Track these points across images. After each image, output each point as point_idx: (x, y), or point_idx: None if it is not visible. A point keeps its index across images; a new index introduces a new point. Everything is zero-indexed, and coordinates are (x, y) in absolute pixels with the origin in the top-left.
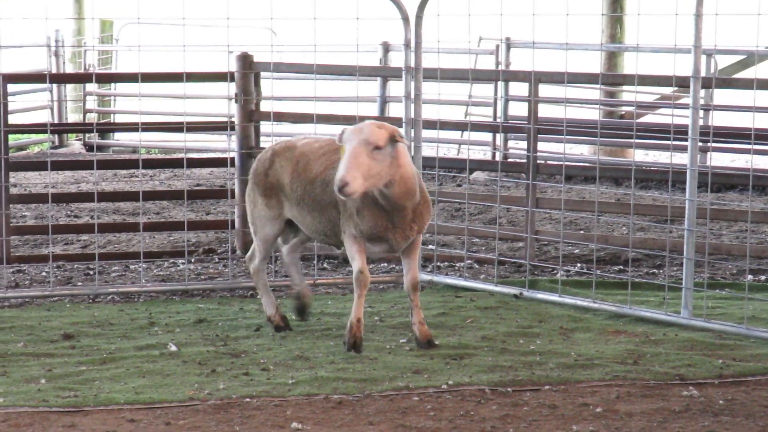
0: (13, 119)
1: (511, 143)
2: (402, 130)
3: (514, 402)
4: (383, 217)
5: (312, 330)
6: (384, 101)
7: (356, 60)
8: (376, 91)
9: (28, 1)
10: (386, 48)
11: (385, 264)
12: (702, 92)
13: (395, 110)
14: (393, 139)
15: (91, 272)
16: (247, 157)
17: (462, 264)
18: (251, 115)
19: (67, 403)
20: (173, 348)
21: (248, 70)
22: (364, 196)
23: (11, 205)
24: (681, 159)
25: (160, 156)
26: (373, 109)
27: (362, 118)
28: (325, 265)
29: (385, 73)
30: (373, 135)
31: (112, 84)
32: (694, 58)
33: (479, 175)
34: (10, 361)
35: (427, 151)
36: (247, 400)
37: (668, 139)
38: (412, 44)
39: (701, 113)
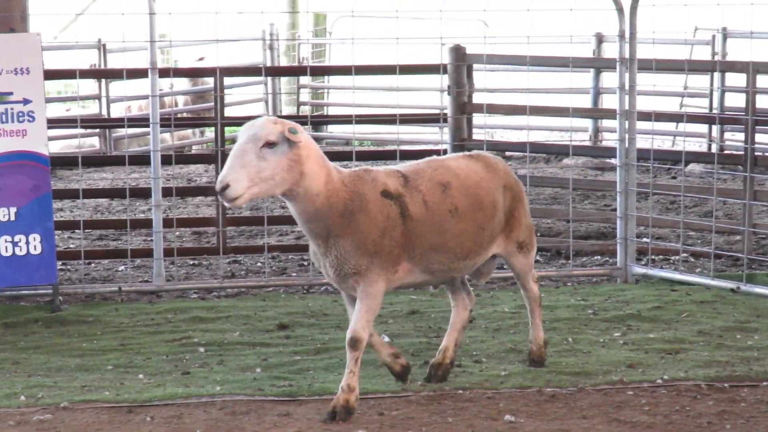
0: (229, 112)
1: (727, 135)
2: (299, 127)
3: (731, 398)
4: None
5: (525, 322)
6: (597, 93)
7: (570, 51)
8: (590, 83)
9: None
10: (600, 39)
11: (599, 257)
12: None
13: (609, 102)
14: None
15: (305, 263)
16: (460, 149)
17: (677, 257)
18: (464, 107)
19: (282, 392)
20: (386, 339)
21: (461, 62)
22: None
23: None
24: None
25: (372, 148)
26: (586, 101)
27: (576, 110)
28: (537, 257)
29: (598, 65)
30: (264, 129)
31: (325, 76)
32: None
33: (695, 167)
34: (227, 350)
35: (642, 143)
36: (460, 391)
37: None
38: (627, 35)
39: None
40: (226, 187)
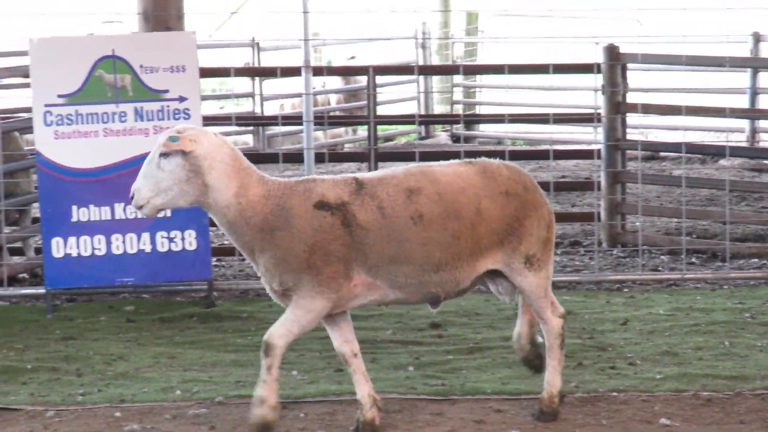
0: (381, 110)
1: None
2: (196, 137)
3: None
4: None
5: (680, 325)
6: (754, 93)
7: (726, 50)
8: (747, 83)
9: None
10: (757, 38)
11: (756, 259)
12: None
13: (766, 102)
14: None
15: None
16: (614, 150)
17: None
18: (618, 107)
19: (434, 391)
20: (539, 339)
21: (615, 62)
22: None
23: None
24: None
25: (525, 147)
26: (743, 101)
27: (732, 111)
28: (693, 259)
29: (755, 64)
30: (162, 138)
31: (477, 75)
32: None
33: None
34: (380, 348)
35: None
36: (614, 394)
37: None
38: None
39: None
40: (131, 196)
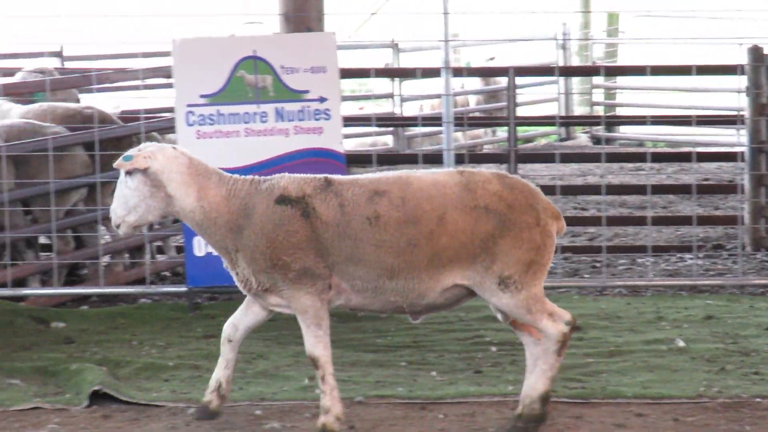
0: (521, 112)
1: None
2: (151, 153)
3: None
4: None
5: None
6: None
7: None
8: None
9: None
10: None
11: None
12: None
13: None
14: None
15: (598, 265)
16: (758, 152)
17: None
18: (762, 109)
19: (575, 394)
20: (681, 343)
21: (759, 63)
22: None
23: None
24: None
25: (667, 149)
26: None
27: None
28: None
29: None
30: (120, 160)
31: (617, 76)
32: None
33: None
34: (519, 350)
35: None
36: (758, 400)
37: None
38: None
39: None
40: (110, 219)
